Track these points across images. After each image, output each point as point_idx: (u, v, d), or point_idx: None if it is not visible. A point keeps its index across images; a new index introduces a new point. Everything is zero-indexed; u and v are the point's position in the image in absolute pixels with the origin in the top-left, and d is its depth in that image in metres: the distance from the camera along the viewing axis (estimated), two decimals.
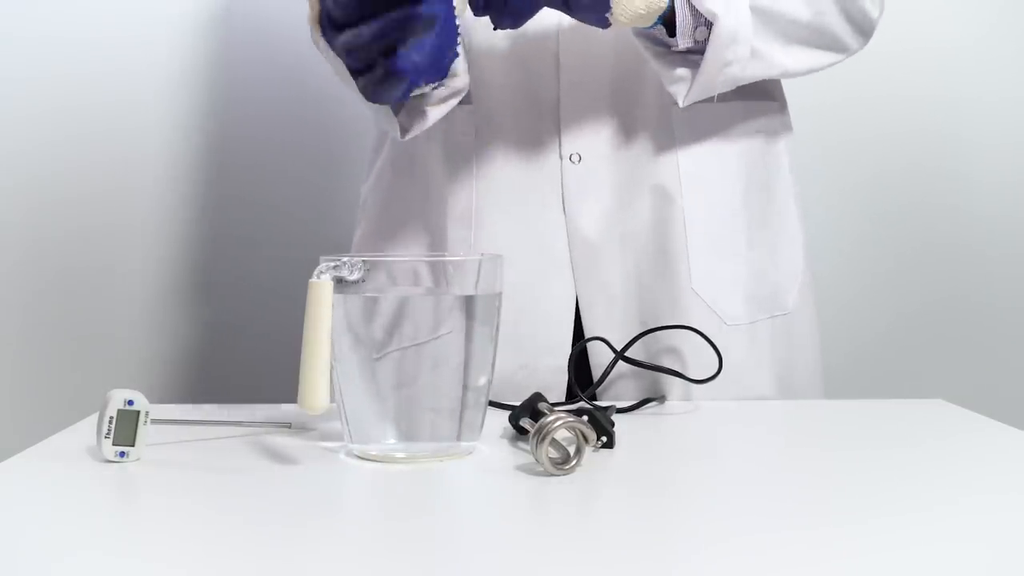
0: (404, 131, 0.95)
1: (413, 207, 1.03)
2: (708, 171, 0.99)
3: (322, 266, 0.72)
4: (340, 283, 0.72)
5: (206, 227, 1.49)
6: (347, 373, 0.74)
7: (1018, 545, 0.57)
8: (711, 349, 0.91)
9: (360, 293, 0.73)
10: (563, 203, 0.98)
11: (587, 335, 0.97)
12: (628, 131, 0.99)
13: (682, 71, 0.92)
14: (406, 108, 0.94)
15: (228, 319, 1.50)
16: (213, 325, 1.50)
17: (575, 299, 0.98)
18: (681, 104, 0.93)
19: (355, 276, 0.72)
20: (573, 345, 0.98)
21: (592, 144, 0.98)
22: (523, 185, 0.98)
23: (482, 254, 0.76)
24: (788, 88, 1.09)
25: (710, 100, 0.95)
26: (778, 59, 0.95)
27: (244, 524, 0.61)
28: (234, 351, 1.50)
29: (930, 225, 1.59)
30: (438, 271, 0.75)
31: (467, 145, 1.00)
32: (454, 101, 0.94)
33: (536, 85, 0.98)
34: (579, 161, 0.97)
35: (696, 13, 0.89)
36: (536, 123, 0.98)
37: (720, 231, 1.00)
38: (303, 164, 1.49)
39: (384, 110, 0.93)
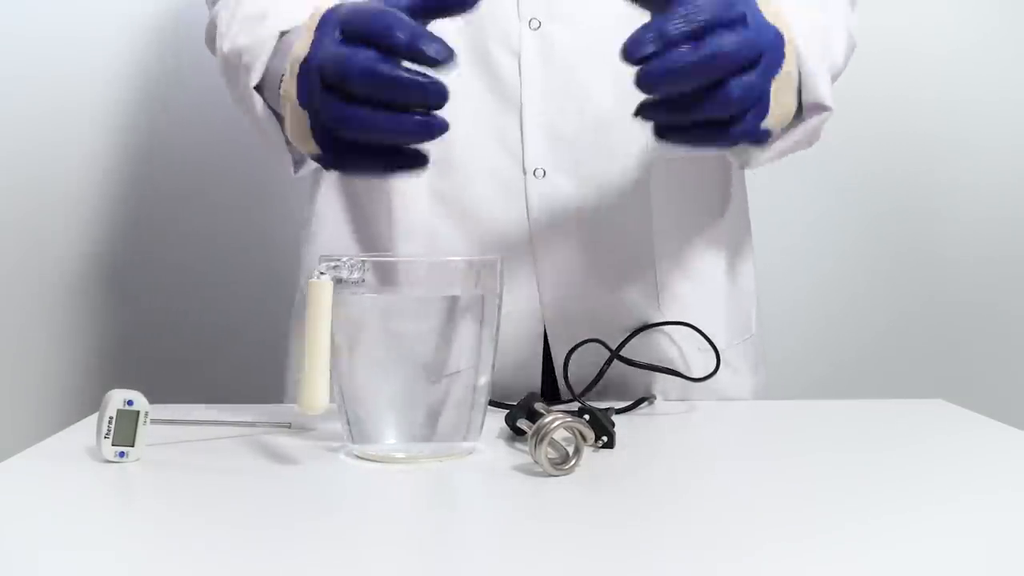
0: (297, 167, 0.90)
1: (360, 223, 1.01)
2: (677, 189, 0.98)
3: (322, 266, 0.72)
4: (340, 283, 0.72)
5: (206, 227, 1.49)
6: (347, 373, 0.74)
7: (1018, 544, 0.58)
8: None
9: (360, 293, 0.73)
10: (528, 219, 0.95)
11: (554, 353, 0.96)
12: (595, 144, 0.96)
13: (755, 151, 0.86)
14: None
15: (228, 319, 1.50)
16: (213, 325, 1.50)
17: (542, 317, 0.97)
18: (750, 167, 0.90)
19: (355, 276, 0.72)
20: (544, 363, 0.97)
21: (556, 158, 0.95)
22: (487, 201, 0.96)
23: (482, 254, 0.76)
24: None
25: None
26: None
27: (244, 524, 0.61)
28: (233, 350, 1.50)
29: (930, 225, 1.59)
30: (438, 271, 0.75)
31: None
32: None
33: (500, 91, 0.95)
34: (544, 176, 0.95)
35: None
36: (500, 136, 0.95)
37: (690, 254, 1.00)
38: None
39: (280, 146, 0.86)
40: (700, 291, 1.00)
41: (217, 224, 1.50)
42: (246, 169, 1.48)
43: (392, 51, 0.66)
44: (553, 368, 0.98)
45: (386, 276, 0.74)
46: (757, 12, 0.71)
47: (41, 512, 0.64)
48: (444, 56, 0.66)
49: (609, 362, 0.91)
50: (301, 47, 0.72)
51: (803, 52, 0.79)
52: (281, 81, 0.78)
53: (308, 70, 0.70)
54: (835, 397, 1.04)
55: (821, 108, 0.82)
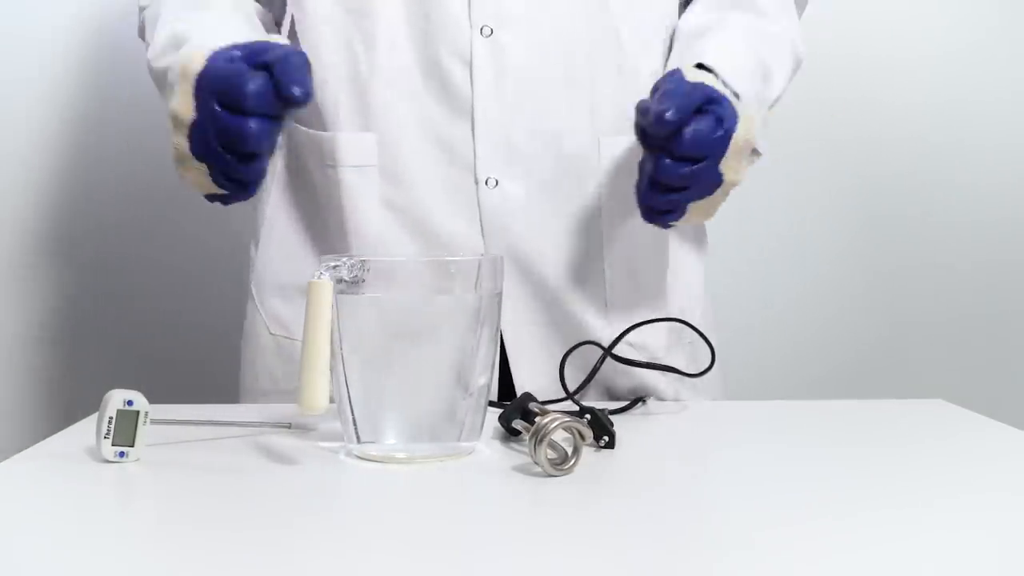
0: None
1: (313, 231, 1.01)
2: (629, 192, 0.98)
3: (322, 266, 0.72)
4: (340, 283, 0.72)
5: (206, 227, 1.49)
6: (347, 373, 0.74)
7: (1018, 544, 0.58)
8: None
9: (360, 293, 0.73)
10: (481, 227, 0.94)
11: (511, 360, 0.96)
12: (545, 154, 0.95)
13: None
14: None
15: (228, 319, 1.50)
16: (213, 325, 1.50)
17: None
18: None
19: (355, 276, 0.72)
20: (504, 370, 0.97)
21: (508, 167, 0.94)
22: (440, 209, 0.95)
23: (482, 254, 0.76)
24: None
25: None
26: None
27: (244, 524, 0.61)
28: (233, 351, 1.50)
29: (930, 226, 1.59)
30: (438, 271, 0.75)
31: (369, 171, 0.95)
32: None
33: (450, 99, 0.94)
34: (496, 185, 0.94)
35: None
36: (450, 144, 0.94)
37: (639, 254, 0.99)
38: None
39: None
40: (646, 297, 1.00)
41: (218, 224, 1.50)
42: None
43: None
44: (510, 371, 0.97)
45: (386, 276, 0.74)
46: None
47: (41, 512, 0.64)
48: (299, 97, 0.76)
49: (602, 360, 0.90)
50: (185, 108, 0.80)
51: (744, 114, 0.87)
52: None
53: (198, 129, 0.80)
54: (835, 397, 1.04)
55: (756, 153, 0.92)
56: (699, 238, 1.06)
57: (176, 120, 0.81)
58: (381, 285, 0.73)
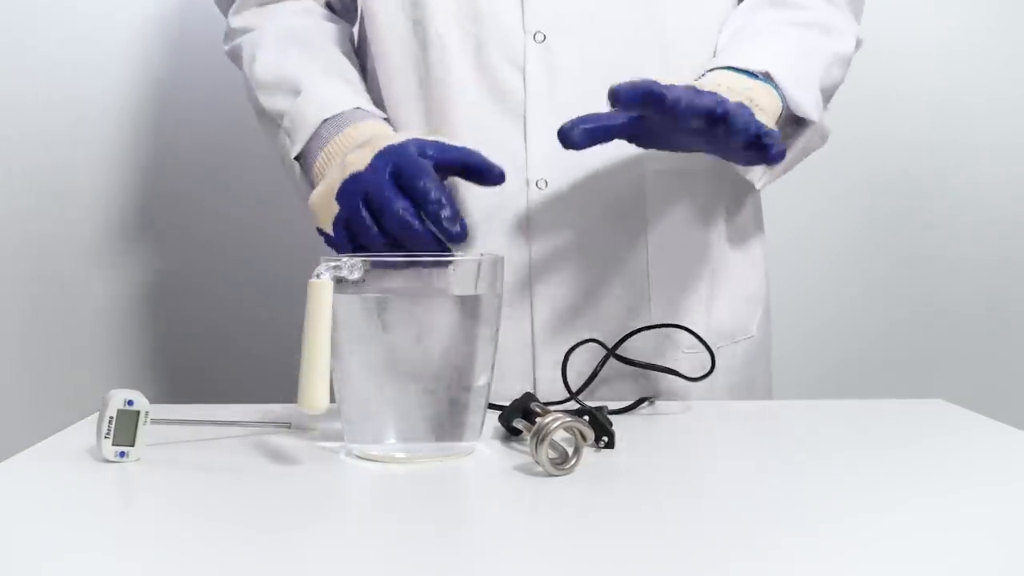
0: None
1: None
2: (675, 196, 1.00)
3: (322, 266, 0.72)
4: (340, 283, 0.72)
5: (205, 227, 1.49)
6: (347, 373, 0.74)
7: (1018, 544, 0.57)
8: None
9: (360, 293, 0.73)
10: (528, 229, 0.97)
11: (538, 355, 0.97)
12: (596, 157, 0.96)
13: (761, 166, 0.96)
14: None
15: (228, 319, 1.50)
16: (213, 325, 1.50)
17: (531, 322, 0.98)
18: (758, 187, 1.00)
19: (355, 276, 0.72)
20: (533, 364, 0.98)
21: (558, 169, 0.96)
22: (487, 212, 0.97)
23: (482, 254, 0.76)
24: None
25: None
26: (825, 130, 1.00)
27: (244, 524, 0.61)
28: (233, 351, 1.50)
29: (931, 226, 1.59)
30: (438, 271, 0.75)
31: None
32: None
33: (503, 103, 0.96)
34: (546, 187, 0.97)
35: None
36: (502, 147, 0.96)
37: (683, 257, 1.00)
38: None
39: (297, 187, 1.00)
40: (690, 299, 1.00)
41: (218, 225, 1.50)
42: (251, 171, 1.48)
43: (423, 208, 0.81)
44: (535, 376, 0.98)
45: (386, 276, 0.74)
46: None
47: (41, 512, 0.64)
48: (458, 236, 0.80)
49: (605, 360, 0.90)
50: (358, 161, 0.86)
51: (784, 82, 0.92)
52: (315, 159, 0.95)
53: (356, 182, 0.84)
54: (835, 397, 1.04)
55: (806, 123, 0.95)
56: (745, 238, 1.07)
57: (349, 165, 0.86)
58: (381, 285, 0.73)
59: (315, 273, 0.71)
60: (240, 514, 0.63)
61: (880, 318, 1.59)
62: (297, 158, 0.98)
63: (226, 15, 1.11)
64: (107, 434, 0.72)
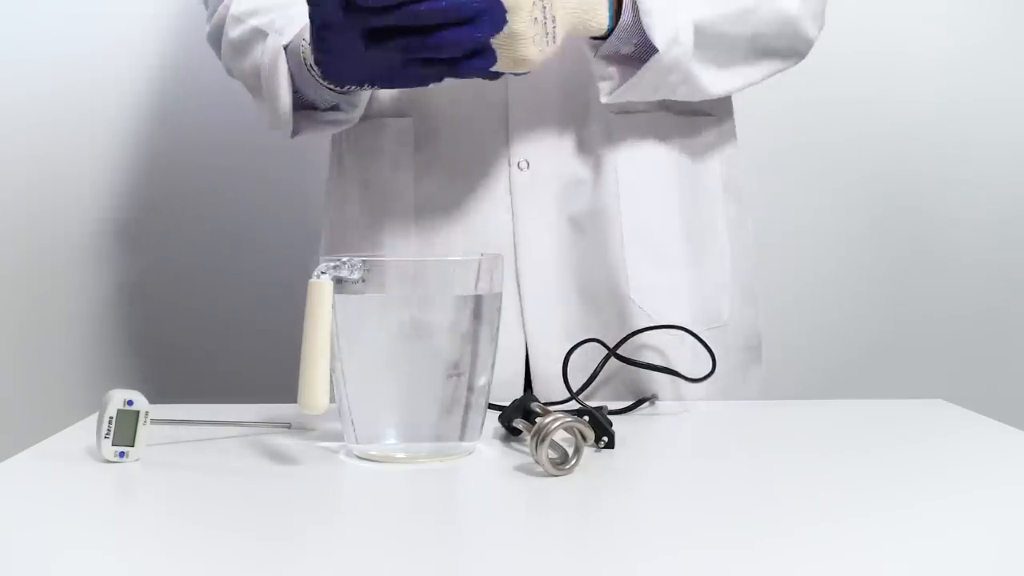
0: (295, 133, 0.96)
1: (358, 208, 1.05)
2: (645, 181, 1.00)
3: (322, 266, 0.72)
4: (340, 283, 0.72)
5: (206, 227, 1.49)
6: (347, 373, 0.74)
7: (1018, 544, 0.58)
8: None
9: (360, 293, 0.73)
10: (512, 209, 0.98)
11: (530, 341, 0.98)
12: (574, 138, 0.99)
13: (612, 70, 0.92)
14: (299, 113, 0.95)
15: (228, 319, 1.50)
16: (214, 325, 1.50)
17: (520, 304, 0.98)
18: (602, 100, 0.93)
19: (355, 276, 0.72)
20: (526, 348, 0.98)
21: (540, 151, 0.98)
22: (470, 192, 0.99)
23: (482, 254, 0.76)
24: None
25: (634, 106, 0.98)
26: (706, 85, 0.95)
27: (244, 524, 0.61)
28: (233, 351, 1.50)
29: (931, 226, 1.59)
30: (438, 271, 0.75)
31: (406, 156, 1.01)
32: (334, 129, 0.98)
33: (484, 91, 0.96)
34: (527, 168, 0.98)
35: (637, 22, 0.89)
36: (484, 130, 0.99)
37: (657, 242, 1.00)
38: (302, 161, 1.48)
39: (282, 110, 0.94)
40: (665, 276, 1.01)
41: (219, 225, 1.50)
42: (252, 169, 1.48)
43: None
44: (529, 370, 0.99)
45: (386, 276, 0.74)
46: None
47: (41, 512, 0.64)
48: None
49: (606, 360, 0.90)
50: None
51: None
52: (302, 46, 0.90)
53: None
54: (835, 397, 1.04)
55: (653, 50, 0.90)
56: (722, 230, 1.06)
57: None
58: (381, 285, 0.73)
59: (315, 273, 0.72)
60: (240, 514, 0.63)
61: (880, 318, 1.59)
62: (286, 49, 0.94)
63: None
64: (107, 434, 0.72)
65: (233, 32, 1.00)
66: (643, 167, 1.00)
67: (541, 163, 0.99)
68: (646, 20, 0.88)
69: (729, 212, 1.06)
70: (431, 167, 1.00)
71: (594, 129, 0.99)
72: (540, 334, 0.98)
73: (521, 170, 0.98)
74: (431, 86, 0.86)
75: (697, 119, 1.04)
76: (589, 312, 0.99)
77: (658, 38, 0.89)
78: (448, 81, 0.85)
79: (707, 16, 0.92)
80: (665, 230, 1.01)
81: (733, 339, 1.04)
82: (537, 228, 0.99)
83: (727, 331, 1.04)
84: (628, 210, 0.99)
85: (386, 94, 1.01)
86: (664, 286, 1.00)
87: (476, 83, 0.87)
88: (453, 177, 0.99)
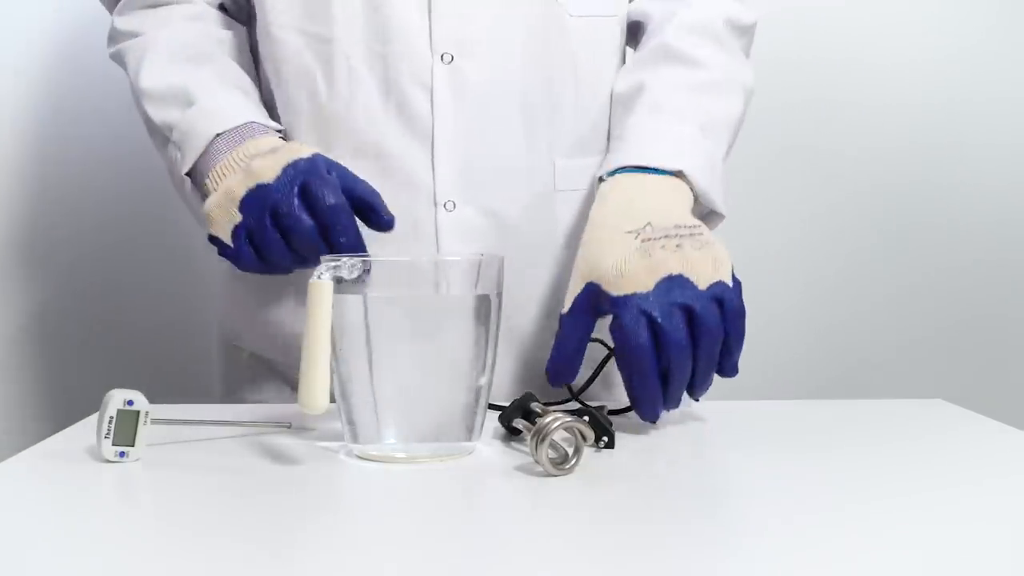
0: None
1: None
2: (583, 214, 0.97)
3: (322, 266, 0.72)
4: (340, 283, 0.72)
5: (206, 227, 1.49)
6: (347, 373, 0.74)
7: (1018, 543, 0.58)
8: None
9: (360, 293, 0.73)
10: (438, 251, 0.95)
11: None
12: (502, 176, 0.96)
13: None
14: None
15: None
16: (213, 325, 1.50)
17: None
18: (723, 212, 0.97)
19: (355, 276, 0.72)
20: None
21: (467, 191, 0.95)
22: (397, 233, 0.92)
23: (482, 254, 0.76)
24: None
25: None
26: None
27: (244, 524, 0.61)
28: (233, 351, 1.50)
29: (930, 226, 1.59)
30: (438, 271, 0.75)
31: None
32: None
33: (411, 124, 0.95)
34: (454, 208, 0.95)
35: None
36: (409, 168, 0.95)
37: None
38: None
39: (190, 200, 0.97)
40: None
41: None
42: None
43: (328, 232, 0.85)
44: None
45: (386, 276, 0.74)
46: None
47: (41, 512, 0.64)
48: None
49: (606, 360, 0.90)
50: (265, 170, 0.87)
51: (698, 181, 0.92)
52: (210, 169, 0.91)
53: (264, 192, 0.86)
54: (835, 397, 1.04)
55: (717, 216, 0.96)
56: None
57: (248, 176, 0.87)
58: (381, 285, 0.73)
59: (315, 273, 0.72)
60: (240, 514, 0.63)
61: (880, 318, 1.59)
62: (189, 173, 0.94)
63: (111, 13, 1.04)
64: (107, 434, 0.72)
65: (124, 51, 1.01)
66: (581, 206, 0.98)
67: (467, 205, 0.96)
68: (704, 190, 0.92)
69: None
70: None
71: (525, 170, 0.97)
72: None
73: (448, 211, 0.95)
74: None
75: None
76: (525, 353, 0.98)
77: (721, 206, 0.94)
78: None
79: (725, 156, 0.97)
80: None
81: None
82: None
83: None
84: (567, 252, 0.98)
85: (306, 127, 0.97)
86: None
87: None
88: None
